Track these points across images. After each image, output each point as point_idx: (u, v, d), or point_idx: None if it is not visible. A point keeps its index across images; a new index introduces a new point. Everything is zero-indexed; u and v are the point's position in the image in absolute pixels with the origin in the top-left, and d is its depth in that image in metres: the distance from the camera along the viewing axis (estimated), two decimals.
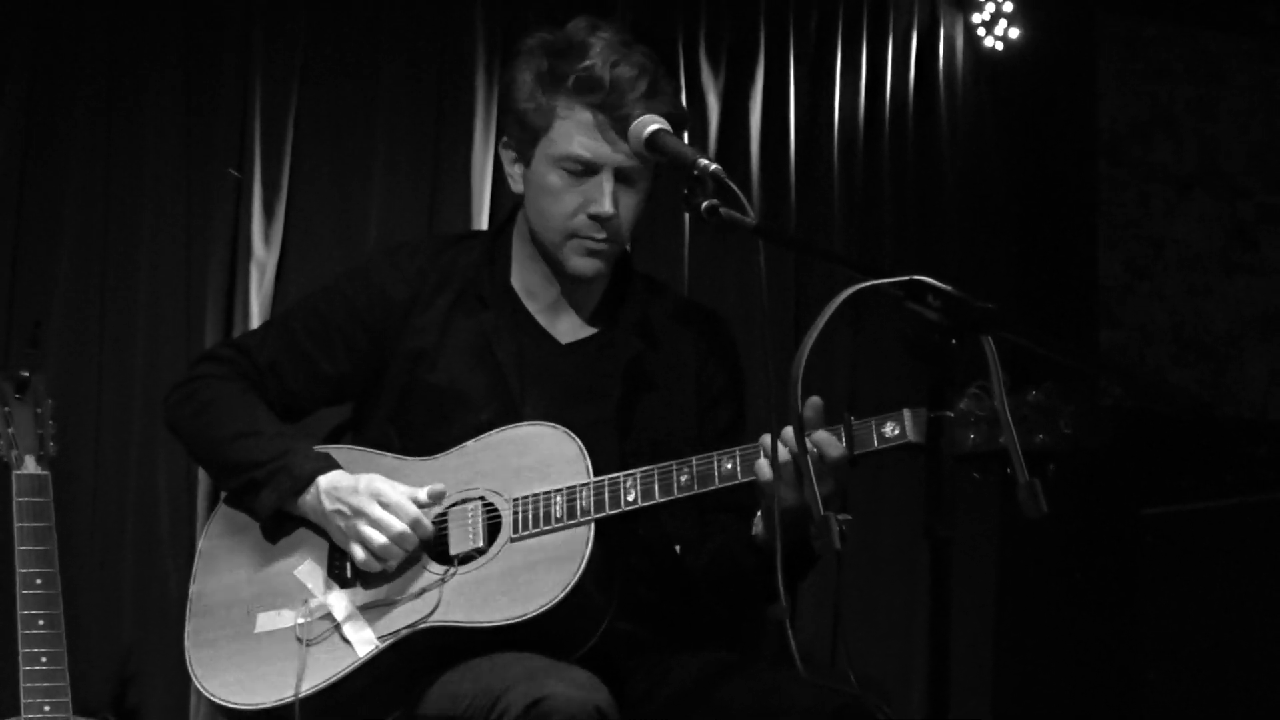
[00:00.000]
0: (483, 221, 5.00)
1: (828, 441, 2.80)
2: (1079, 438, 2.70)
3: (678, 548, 3.22)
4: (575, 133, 3.05)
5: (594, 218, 3.07)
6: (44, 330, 4.32)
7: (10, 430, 3.91)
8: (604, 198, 3.05)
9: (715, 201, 2.70)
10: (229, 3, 4.88)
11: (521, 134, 3.13)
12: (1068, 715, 5.72)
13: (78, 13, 4.72)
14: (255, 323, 4.72)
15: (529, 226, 3.18)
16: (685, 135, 3.10)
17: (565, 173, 3.07)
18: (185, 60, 4.82)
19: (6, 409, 3.93)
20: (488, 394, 3.12)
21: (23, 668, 3.74)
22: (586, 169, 3.06)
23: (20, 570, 3.79)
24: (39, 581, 3.78)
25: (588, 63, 3.02)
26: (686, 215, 4.65)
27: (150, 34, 4.79)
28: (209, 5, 4.86)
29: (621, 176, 3.07)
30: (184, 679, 3.08)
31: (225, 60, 4.87)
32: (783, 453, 2.76)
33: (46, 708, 3.71)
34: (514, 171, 3.19)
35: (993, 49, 5.84)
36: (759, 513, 2.95)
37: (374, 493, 2.99)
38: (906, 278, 2.28)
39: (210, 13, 4.86)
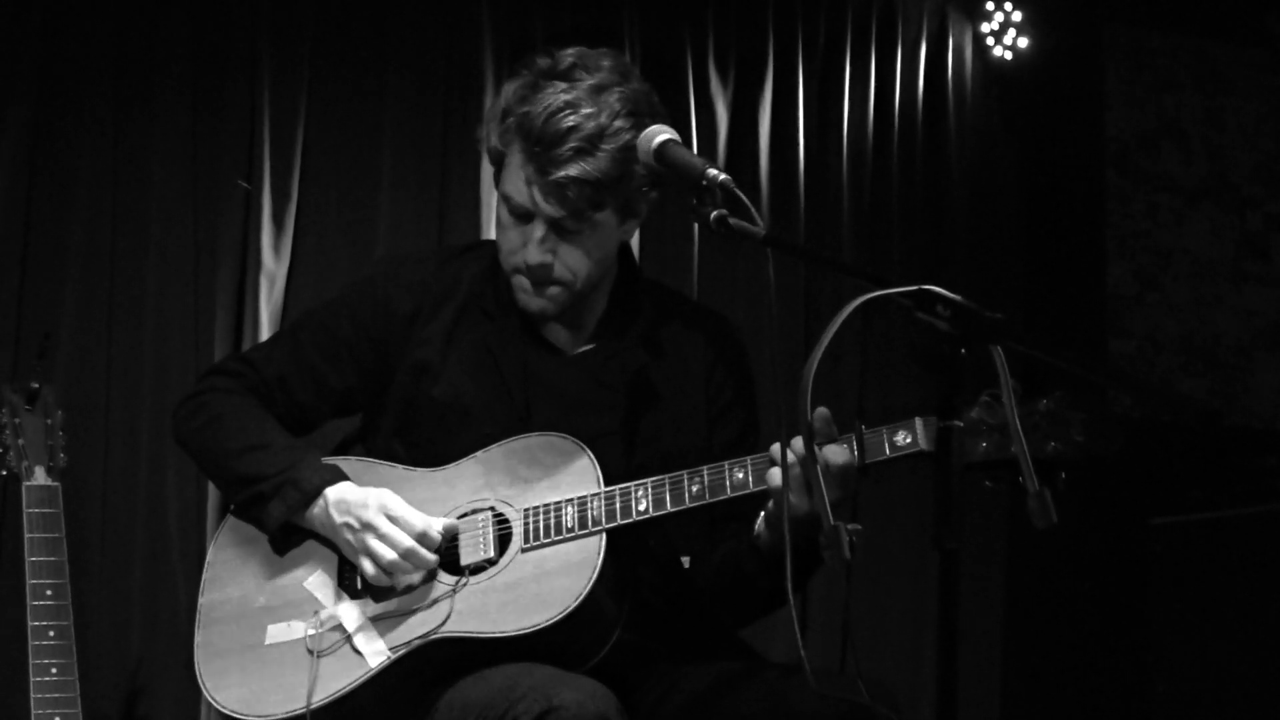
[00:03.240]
0: (492, 232, 5.00)
1: (837, 450, 2.80)
2: (1091, 445, 2.69)
3: (686, 561, 3.21)
4: (514, 176, 3.02)
5: (526, 262, 3.06)
6: (53, 342, 4.33)
7: (20, 442, 3.91)
8: (530, 245, 3.03)
9: (724, 211, 2.69)
10: (236, 15, 4.89)
11: (490, 161, 3.14)
12: None
13: (85, 26, 4.73)
14: (265, 334, 4.72)
15: None
16: (635, 192, 3.04)
17: (508, 211, 3.06)
18: (192, 72, 4.83)
19: (16, 420, 3.93)
20: (492, 407, 3.11)
21: (33, 678, 3.74)
22: (524, 214, 3.03)
23: (30, 581, 3.79)
24: (49, 592, 3.78)
25: (527, 109, 2.97)
26: (696, 225, 4.65)
27: (157, 46, 4.80)
28: (216, 18, 4.87)
29: (557, 228, 3.02)
30: (194, 690, 3.08)
31: (233, 72, 4.88)
32: (792, 461, 2.76)
33: (57, 718, 3.71)
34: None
35: (1001, 59, 5.85)
36: (761, 515, 2.94)
37: (382, 507, 2.98)
38: (916, 287, 2.28)
39: (218, 25, 4.87)
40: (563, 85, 2.98)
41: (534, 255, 3.03)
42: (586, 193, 2.97)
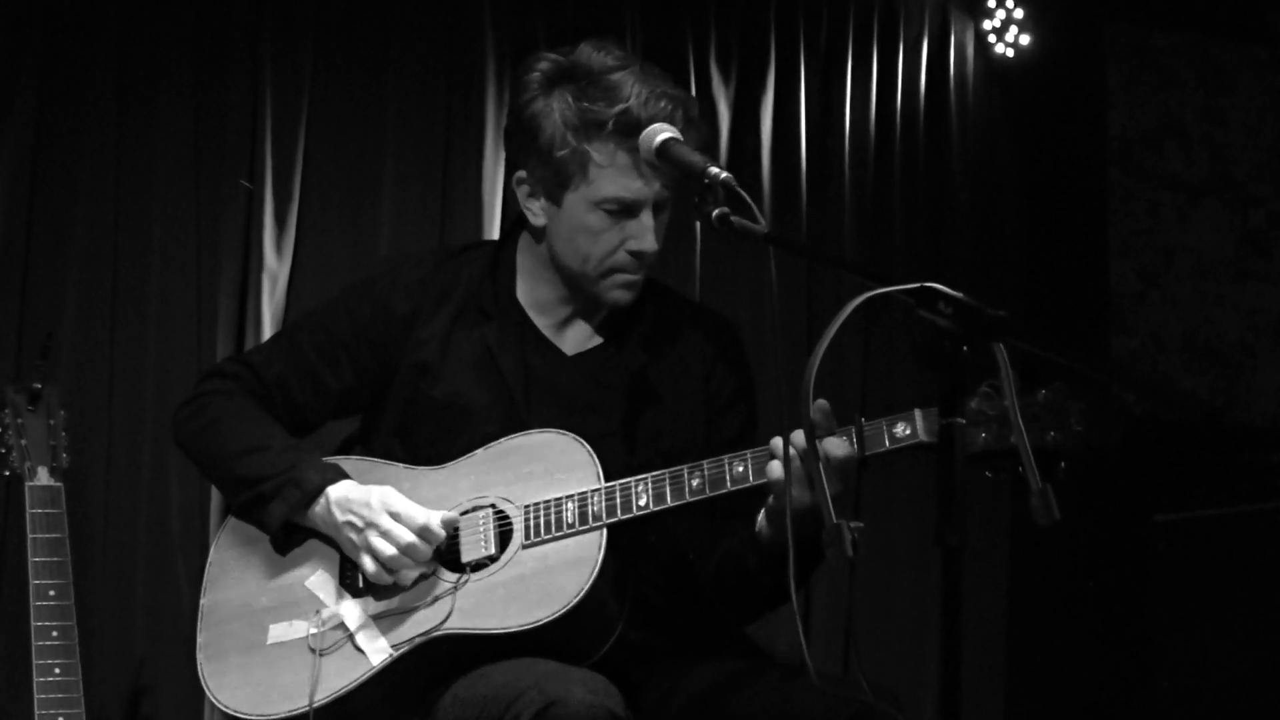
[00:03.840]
0: (494, 230, 5.00)
1: (837, 443, 2.80)
2: (1090, 435, 2.70)
3: (691, 557, 3.22)
4: (617, 176, 3.01)
5: (635, 254, 3.06)
6: (55, 342, 4.32)
7: (23, 442, 3.91)
8: (648, 234, 3.05)
9: (726, 209, 2.70)
10: (238, 14, 4.89)
11: (552, 176, 3.07)
12: None
13: (87, 25, 4.72)
14: (267, 333, 4.73)
15: (555, 259, 3.15)
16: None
17: (605, 213, 3.04)
18: (194, 72, 4.83)
19: (19, 421, 3.93)
20: (492, 407, 3.11)
21: (36, 679, 3.74)
22: (628, 209, 3.04)
23: (33, 581, 3.79)
24: (52, 593, 3.78)
25: (622, 106, 2.98)
26: (698, 223, 4.65)
27: (159, 46, 4.80)
28: (218, 17, 4.87)
29: (657, 207, 3.06)
30: (197, 690, 3.08)
31: (234, 71, 4.88)
32: (792, 454, 2.76)
33: (60, 718, 3.71)
34: (533, 206, 3.13)
35: (1003, 56, 5.85)
36: (762, 510, 2.94)
37: (384, 503, 2.99)
38: (918, 285, 2.28)
39: (219, 24, 4.86)
40: (624, 75, 3.02)
41: (652, 241, 3.06)
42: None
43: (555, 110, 3.04)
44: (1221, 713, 4.96)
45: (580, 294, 3.15)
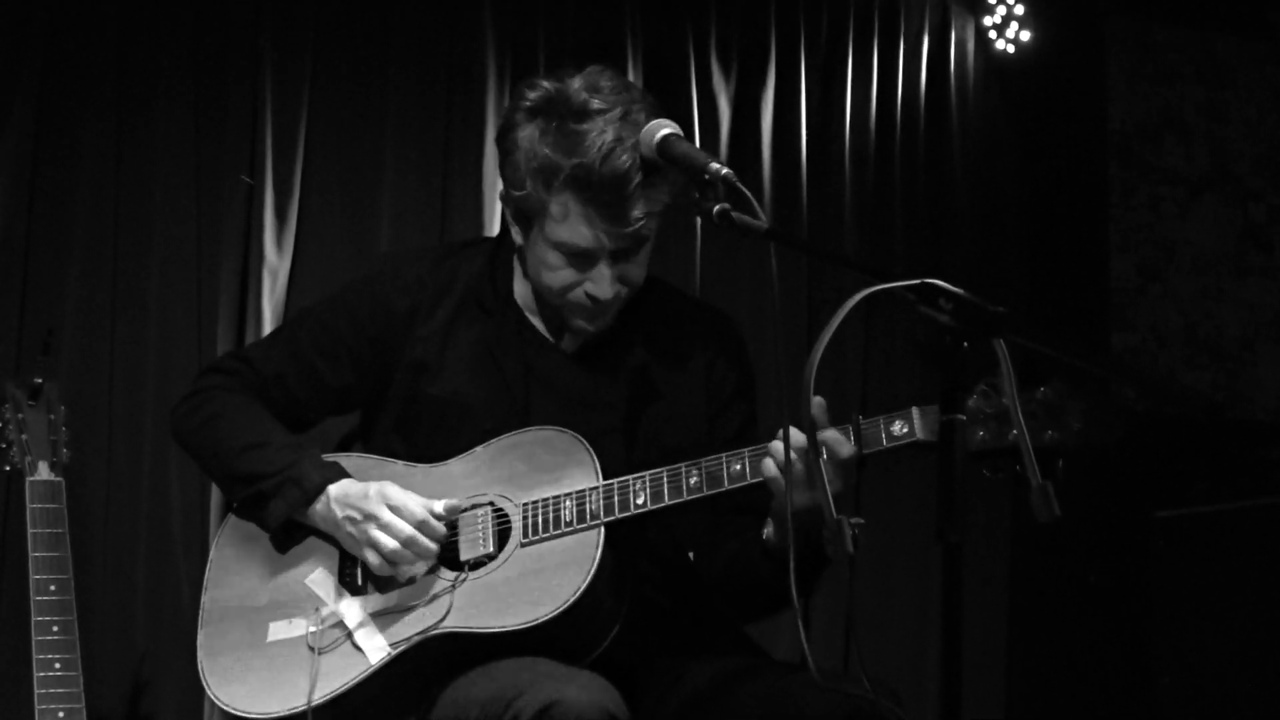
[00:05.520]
0: (494, 226, 5.00)
1: (837, 441, 2.80)
2: (1089, 434, 2.70)
3: (690, 554, 3.21)
4: (573, 225, 2.98)
5: (591, 297, 3.05)
6: (56, 337, 4.32)
7: (23, 437, 3.91)
8: (603, 282, 3.02)
9: (727, 206, 2.69)
10: (238, 11, 4.89)
11: (518, 210, 3.07)
12: (1081, 718, 5.72)
13: (88, 22, 4.73)
14: (268, 328, 4.73)
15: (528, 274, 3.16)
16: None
17: (562, 255, 3.03)
18: (194, 68, 4.83)
19: (20, 416, 3.94)
20: (491, 404, 3.11)
21: (36, 674, 3.74)
22: (584, 255, 3.01)
23: (34, 576, 3.79)
24: (53, 588, 3.78)
25: (578, 160, 2.92)
26: (698, 219, 4.65)
27: (159, 42, 4.80)
28: (218, 13, 4.87)
29: (619, 255, 3.02)
30: (197, 686, 3.08)
31: (235, 68, 4.88)
32: (794, 455, 2.76)
33: (61, 714, 3.71)
34: (512, 227, 3.13)
35: (1004, 52, 5.85)
36: (769, 518, 2.94)
37: (383, 496, 2.99)
38: (918, 281, 2.28)
39: (220, 21, 4.87)
40: (598, 124, 2.94)
41: (607, 290, 3.02)
42: (654, 221, 2.98)
43: (523, 147, 3.01)
44: (1222, 708, 4.97)
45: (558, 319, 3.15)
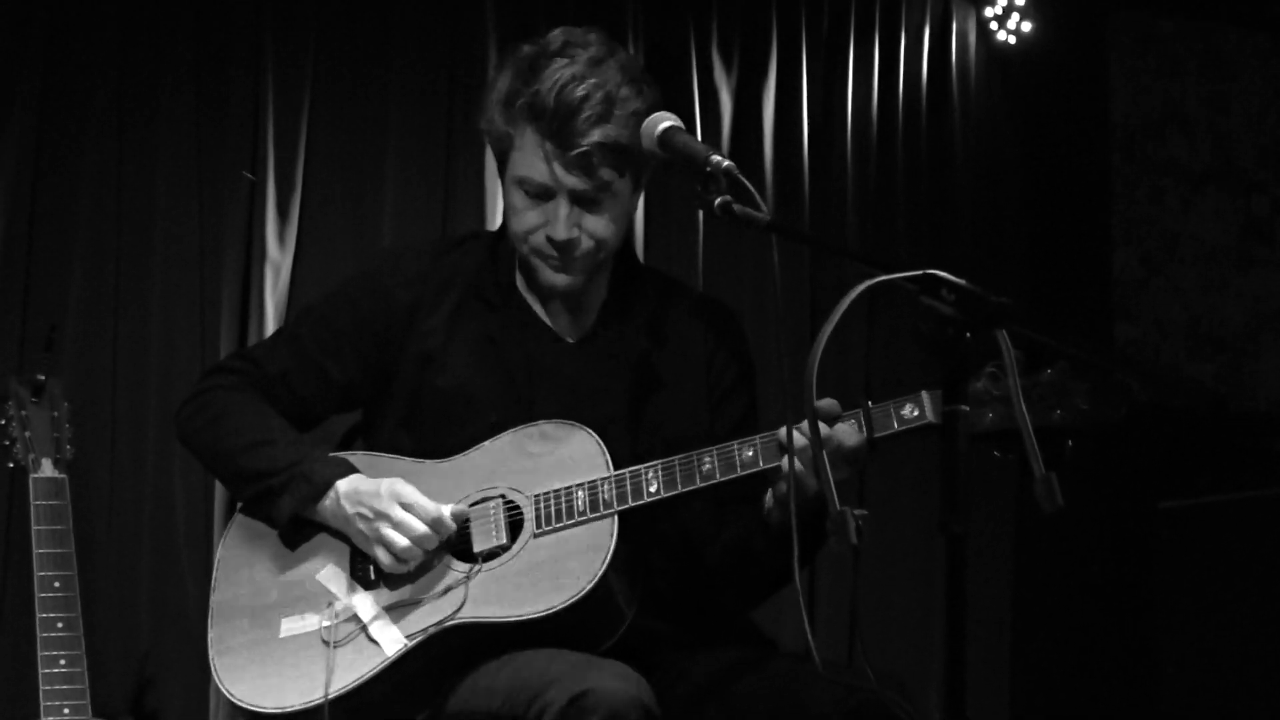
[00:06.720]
0: (496, 221, 4.99)
1: (845, 430, 2.81)
2: (1096, 412, 2.70)
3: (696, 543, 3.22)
4: (527, 156, 3.02)
5: (551, 241, 3.06)
6: (59, 334, 4.32)
7: (27, 434, 3.92)
8: (558, 223, 3.03)
9: (729, 198, 2.69)
10: (239, 7, 4.89)
11: (493, 150, 3.15)
12: (1085, 709, 5.72)
13: (89, 19, 4.72)
14: (270, 324, 4.73)
15: None
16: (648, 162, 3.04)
17: (524, 193, 3.06)
18: (196, 64, 4.83)
19: (23, 413, 3.94)
20: (497, 395, 3.11)
21: (41, 670, 3.75)
22: (543, 192, 3.04)
23: (38, 573, 3.80)
24: (57, 584, 3.79)
25: (534, 88, 2.99)
26: (700, 212, 4.65)
27: (161, 38, 4.80)
28: (219, 9, 4.87)
29: (580, 200, 3.03)
30: (203, 681, 3.10)
31: (236, 63, 4.88)
32: (800, 441, 2.76)
33: (66, 710, 3.72)
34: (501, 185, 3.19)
35: (1005, 44, 5.85)
36: (769, 490, 2.94)
37: (395, 494, 2.99)
38: (921, 272, 2.28)
39: (221, 16, 4.87)
40: (562, 61, 3.01)
41: (561, 231, 3.03)
42: (609, 159, 2.99)
43: (497, 86, 3.10)
44: (1226, 698, 4.97)
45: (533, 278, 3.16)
